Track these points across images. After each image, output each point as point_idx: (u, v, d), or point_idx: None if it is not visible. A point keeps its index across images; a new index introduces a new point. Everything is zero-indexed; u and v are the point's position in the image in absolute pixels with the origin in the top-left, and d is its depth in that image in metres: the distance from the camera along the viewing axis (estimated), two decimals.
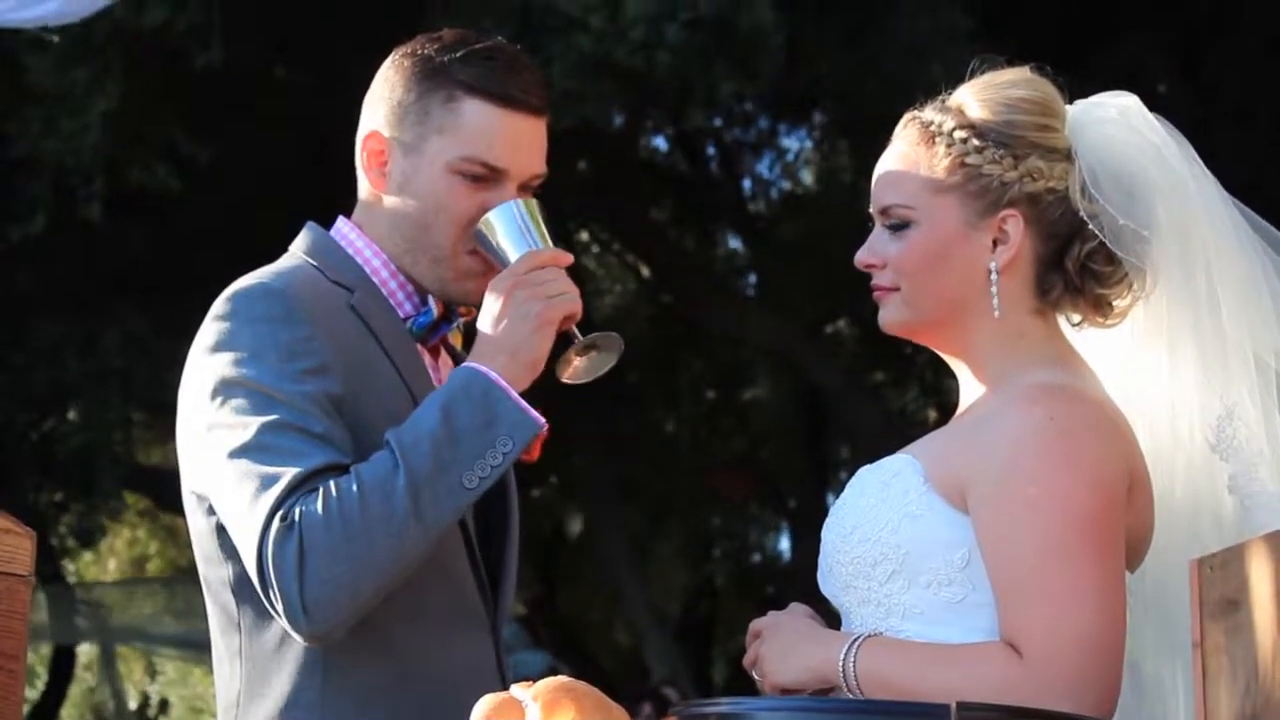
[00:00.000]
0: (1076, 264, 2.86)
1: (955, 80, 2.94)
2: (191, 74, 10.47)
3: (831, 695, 2.76)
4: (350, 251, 3.13)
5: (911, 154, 2.88)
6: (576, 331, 3.00)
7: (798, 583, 17.47)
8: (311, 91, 11.61)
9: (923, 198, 2.86)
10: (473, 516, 3.08)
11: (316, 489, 2.85)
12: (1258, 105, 11.25)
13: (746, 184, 16.05)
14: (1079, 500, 2.68)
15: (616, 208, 14.24)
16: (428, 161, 3.08)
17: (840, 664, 2.74)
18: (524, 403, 2.93)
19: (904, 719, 2.22)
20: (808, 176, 16.18)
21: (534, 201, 3.06)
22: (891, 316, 2.91)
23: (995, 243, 2.85)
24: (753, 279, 16.20)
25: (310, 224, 3.19)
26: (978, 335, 2.88)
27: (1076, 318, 2.93)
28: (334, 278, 3.08)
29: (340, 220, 3.18)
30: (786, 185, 16.12)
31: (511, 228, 3.04)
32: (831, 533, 2.88)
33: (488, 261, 3.05)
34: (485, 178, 3.07)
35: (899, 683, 2.70)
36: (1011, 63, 2.95)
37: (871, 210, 2.93)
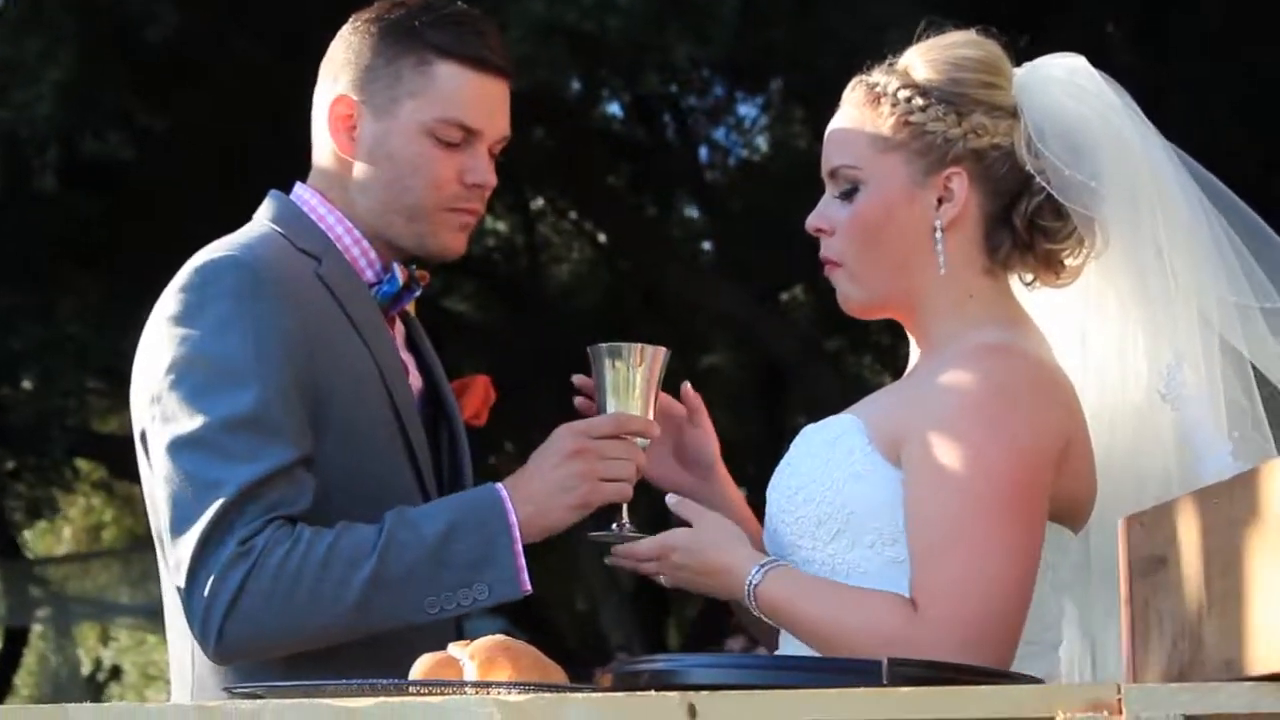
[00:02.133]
0: (1024, 220, 2.88)
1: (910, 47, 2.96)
2: (144, 43, 10.42)
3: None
4: (314, 219, 3.12)
5: (858, 115, 2.90)
6: (624, 515, 2.95)
7: None
8: (266, 59, 11.57)
9: (869, 157, 2.88)
10: (434, 485, 3.09)
11: (292, 528, 2.86)
12: (1215, 75, 11.28)
13: (703, 152, 16.05)
14: (1004, 463, 2.70)
15: (573, 175, 14.23)
16: (401, 124, 3.08)
17: (746, 585, 2.77)
18: (523, 562, 2.92)
19: (836, 674, 2.23)
20: (764, 144, 16.18)
21: (665, 354, 3.00)
22: (847, 295, 2.93)
23: (940, 201, 2.87)
24: (710, 246, 16.20)
25: (274, 192, 3.17)
26: (927, 295, 2.90)
27: (1029, 277, 2.95)
28: (301, 246, 3.06)
29: (300, 187, 3.17)
30: (743, 153, 16.11)
31: (630, 375, 2.97)
32: (776, 493, 2.90)
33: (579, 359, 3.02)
34: (459, 140, 3.09)
35: (797, 614, 2.74)
36: (960, 27, 2.97)
37: (823, 174, 2.95)
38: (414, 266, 3.18)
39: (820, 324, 15.38)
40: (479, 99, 3.10)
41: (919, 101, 2.86)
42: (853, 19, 10.24)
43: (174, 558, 2.90)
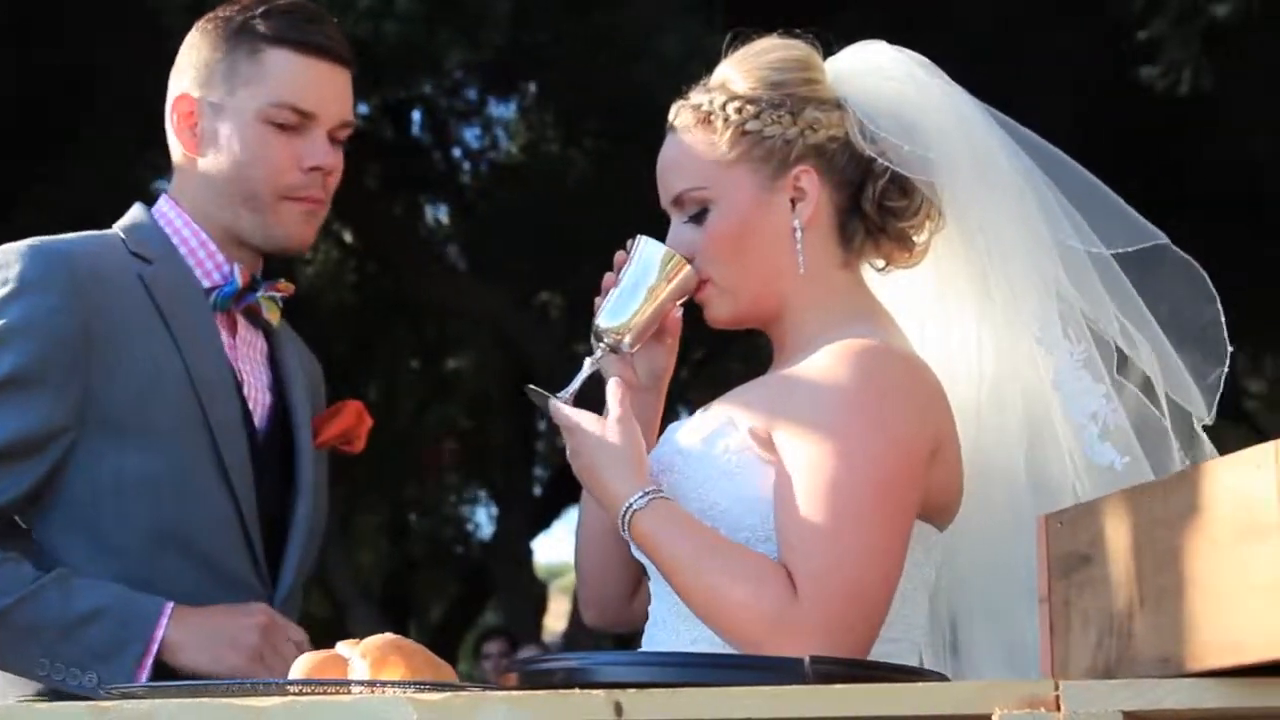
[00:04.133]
0: (874, 204, 2.92)
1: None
2: None
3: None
4: (162, 224, 3.17)
5: (691, 138, 2.92)
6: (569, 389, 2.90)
7: (499, 554, 17.47)
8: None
9: (713, 175, 2.90)
10: (251, 497, 3.10)
11: None
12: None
13: (456, 153, 15.96)
14: (879, 457, 2.72)
15: None
16: (237, 114, 3.13)
17: (625, 505, 2.75)
18: (143, 677, 2.93)
19: (756, 673, 2.22)
20: (516, 147, 16.13)
21: (694, 281, 2.92)
22: (718, 312, 2.94)
23: (794, 201, 2.89)
24: (462, 248, 16.10)
25: (139, 203, 3.23)
26: (793, 296, 2.91)
27: (880, 262, 2.98)
28: (135, 249, 3.12)
29: (162, 198, 3.23)
30: (495, 155, 16.06)
31: (658, 280, 2.91)
32: None
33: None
34: (295, 124, 3.12)
35: (673, 556, 2.71)
36: (760, 34, 3.00)
37: (664, 205, 2.96)
38: (262, 280, 3.20)
39: (573, 328, 15.39)
40: (311, 82, 3.13)
41: (750, 110, 2.89)
42: (618, 22, 10.26)
43: None
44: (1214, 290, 2.92)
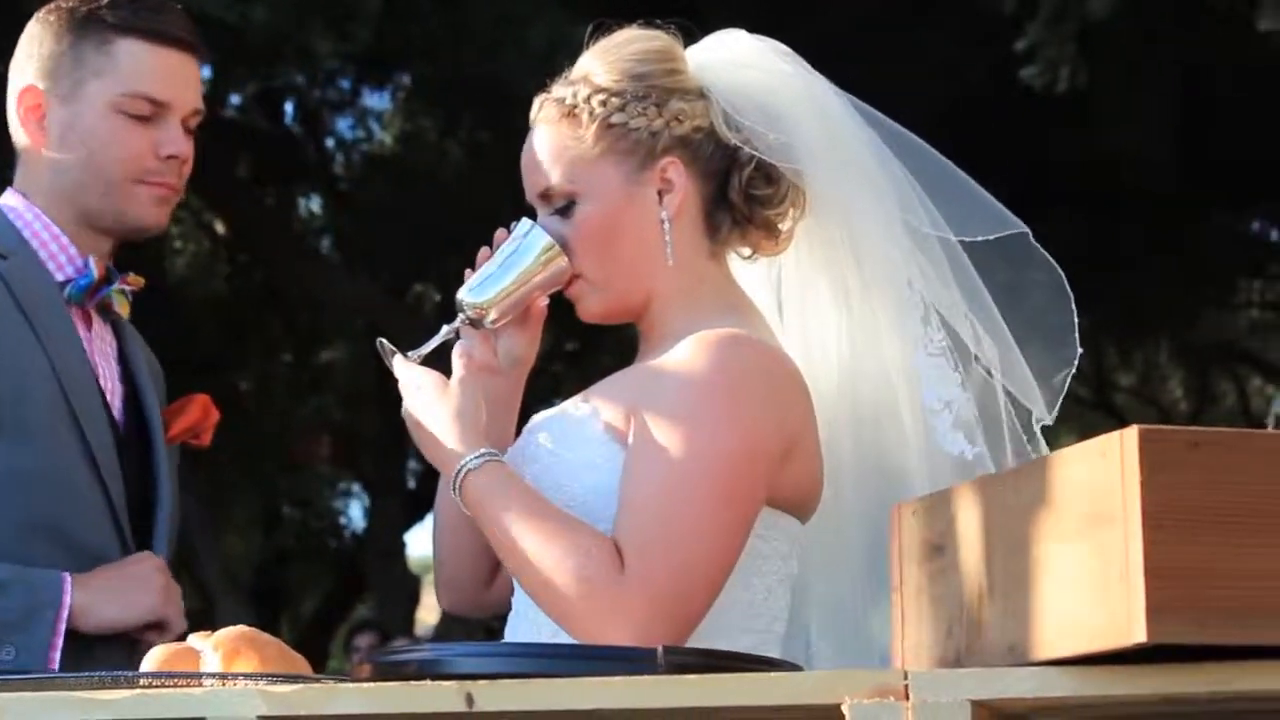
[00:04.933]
0: (740, 193, 2.92)
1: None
2: None
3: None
4: (12, 218, 3.14)
5: (556, 132, 2.91)
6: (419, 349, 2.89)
7: (372, 547, 17.39)
8: None
9: (580, 170, 2.89)
10: (120, 492, 3.10)
11: None
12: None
13: (329, 143, 15.87)
14: (727, 445, 2.71)
15: (196, 165, 13.94)
16: (88, 105, 3.12)
17: (459, 465, 2.73)
18: (58, 643, 2.93)
19: (609, 663, 2.21)
20: (390, 138, 16.06)
21: (567, 274, 2.91)
22: (590, 307, 2.93)
23: (660, 193, 2.89)
24: (335, 240, 16.03)
25: None
26: (662, 289, 2.91)
27: (747, 251, 2.98)
28: None
29: (7, 191, 3.20)
30: (370, 146, 15.99)
31: (532, 266, 2.89)
32: None
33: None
34: (149, 114, 3.11)
35: (502, 520, 2.69)
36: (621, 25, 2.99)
37: (530, 199, 2.95)
38: (116, 273, 3.19)
39: (448, 320, 15.31)
40: (163, 71, 3.13)
41: (615, 102, 2.89)
42: (490, 13, 10.23)
43: None
44: (1070, 291, 2.93)
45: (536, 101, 2.95)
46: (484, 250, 2.92)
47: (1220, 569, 1.91)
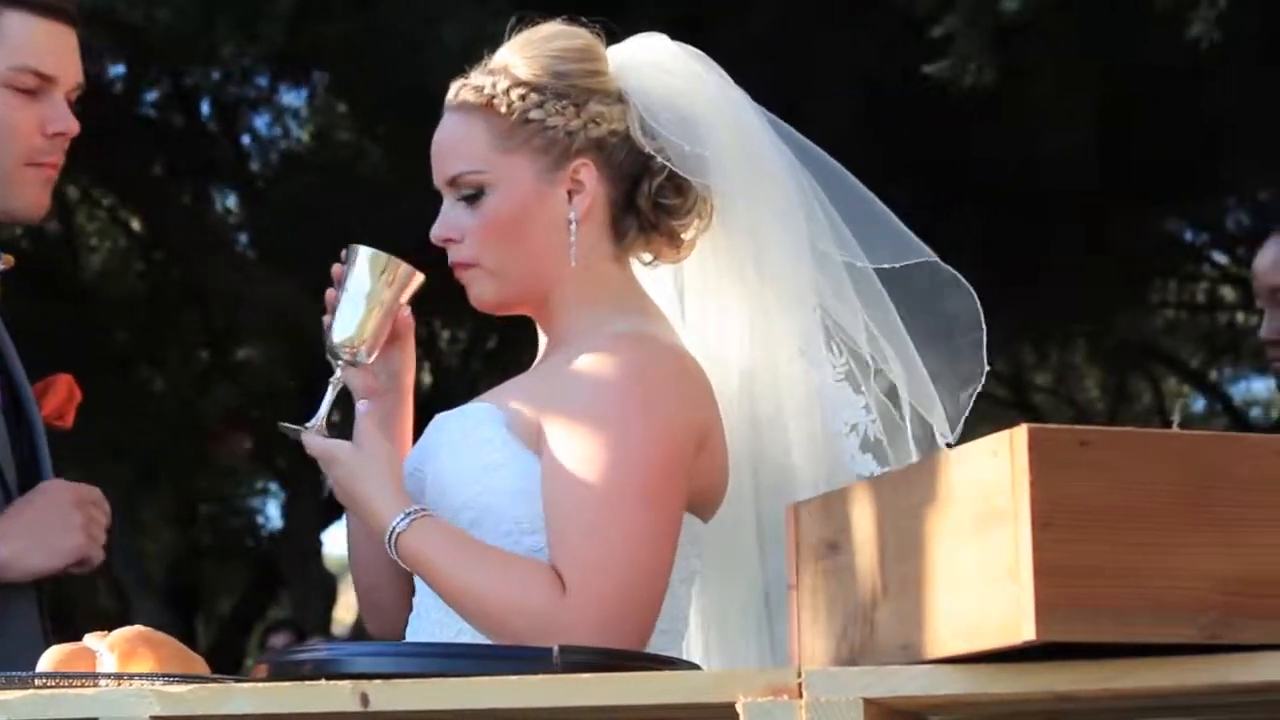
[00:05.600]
0: (649, 201, 2.91)
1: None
2: None
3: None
4: None
5: (471, 120, 2.89)
6: (326, 415, 2.89)
7: (289, 546, 17.31)
8: None
9: (491, 159, 2.88)
10: (14, 478, 3.07)
11: None
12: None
13: (245, 140, 15.78)
14: (646, 449, 2.72)
15: (111, 162, 13.86)
16: None
17: (389, 529, 2.73)
18: None
19: (505, 663, 2.22)
20: (307, 135, 15.99)
21: (420, 280, 2.91)
22: (483, 294, 2.92)
23: (570, 194, 2.88)
24: (251, 237, 15.93)
25: None
26: (562, 287, 2.91)
27: (648, 257, 2.98)
28: None
29: None
30: (287, 144, 15.90)
31: (377, 287, 2.88)
32: (412, 482, 2.87)
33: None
34: (35, 88, 3.05)
35: (441, 571, 2.71)
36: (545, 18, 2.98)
37: (437, 184, 2.93)
38: None
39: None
40: (50, 45, 3.08)
41: (534, 98, 2.87)
42: (407, 13, 10.19)
43: None
44: (979, 307, 2.94)
45: (454, 86, 2.93)
46: (330, 291, 2.90)
47: (1110, 567, 1.93)
